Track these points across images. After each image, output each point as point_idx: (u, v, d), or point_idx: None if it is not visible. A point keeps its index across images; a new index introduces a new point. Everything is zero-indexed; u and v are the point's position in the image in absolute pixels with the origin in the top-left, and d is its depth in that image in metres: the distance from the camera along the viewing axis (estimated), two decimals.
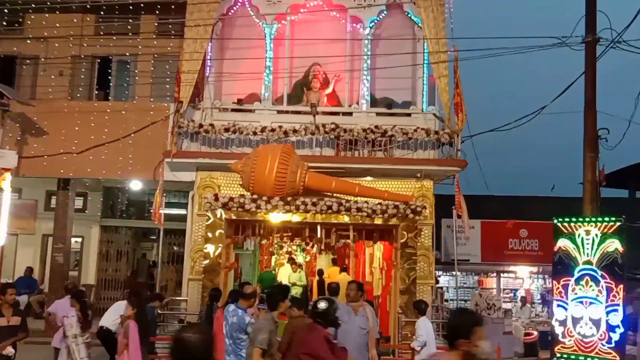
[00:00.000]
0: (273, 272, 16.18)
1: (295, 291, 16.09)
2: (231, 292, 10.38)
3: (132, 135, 13.43)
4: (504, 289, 18.83)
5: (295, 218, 12.11)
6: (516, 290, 18.99)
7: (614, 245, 10.88)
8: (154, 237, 21.71)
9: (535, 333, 14.11)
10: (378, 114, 13.28)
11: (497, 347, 10.66)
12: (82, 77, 14.50)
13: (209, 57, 13.17)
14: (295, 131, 12.48)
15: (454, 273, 18.24)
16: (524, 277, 18.27)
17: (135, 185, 15.23)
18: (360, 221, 12.12)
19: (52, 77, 14.30)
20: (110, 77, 14.66)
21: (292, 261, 17.31)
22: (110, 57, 14.69)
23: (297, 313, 7.33)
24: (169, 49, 14.02)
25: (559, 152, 76.29)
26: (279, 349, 7.22)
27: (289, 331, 7.11)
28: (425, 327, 8.20)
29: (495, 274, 18.34)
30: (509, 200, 19.91)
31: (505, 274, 18.45)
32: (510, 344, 12.96)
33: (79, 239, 18.04)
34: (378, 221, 12.13)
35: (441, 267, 16.76)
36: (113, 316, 10.68)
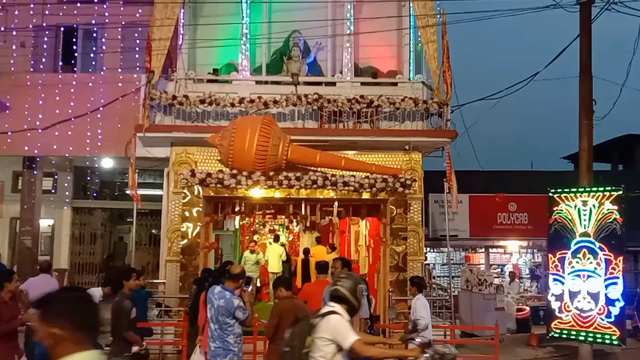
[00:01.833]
0: (255, 252, 15.52)
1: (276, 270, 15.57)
2: (204, 270, 9.75)
3: (101, 109, 12.55)
4: (492, 265, 18.45)
5: (278, 194, 11.43)
6: (504, 265, 18.63)
7: (613, 215, 10.45)
8: (131, 219, 20.96)
9: (527, 309, 13.73)
10: (363, 83, 12.59)
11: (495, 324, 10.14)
12: (46, 47, 13.50)
13: (181, 24, 12.32)
14: (275, 102, 11.74)
15: (442, 249, 17.84)
16: (513, 251, 17.88)
17: (107, 163, 14.37)
18: (347, 196, 11.48)
19: (14, 48, 13.30)
20: (75, 48, 13.69)
21: (277, 238, 16.69)
22: (76, 26, 13.69)
23: (284, 294, 6.71)
24: (137, 16, 13.09)
25: (543, 125, 76.77)
26: (266, 333, 6.60)
27: (276, 313, 6.49)
28: (424, 307, 7.61)
29: (483, 249, 17.91)
30: (495, 174, 19.45)
31: (494, 249, 18.04)
32: (503, 320, 12.53)
33: (50, 222, 17.17)
34: (366, 196, 11.50)
35: (429, 243, 16.25)
36: None
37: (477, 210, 16.34)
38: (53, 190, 16.83)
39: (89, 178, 17.41)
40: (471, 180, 16.88)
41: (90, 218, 18.28)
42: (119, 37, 13.29)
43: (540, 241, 16.44)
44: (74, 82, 12.93)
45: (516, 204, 16.90)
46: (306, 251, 15.48)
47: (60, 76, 13.19)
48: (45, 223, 17.17)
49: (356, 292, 4.26)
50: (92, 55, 13.66)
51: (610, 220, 10.36)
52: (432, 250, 17.73)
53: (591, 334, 10.39)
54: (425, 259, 14.48)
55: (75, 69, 13.70)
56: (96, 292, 10.02)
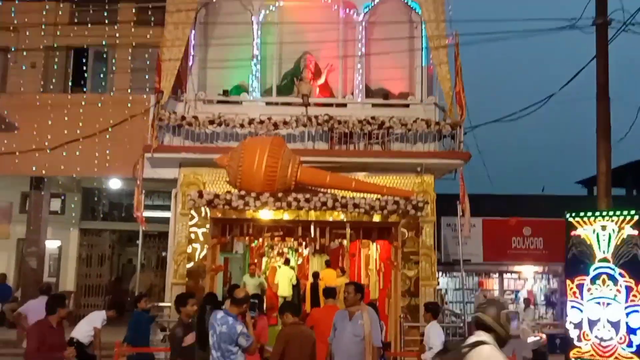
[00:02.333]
0: (259, 276, 15.22)
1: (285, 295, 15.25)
2: (207, 295, 9.46)
3: (110, 129, 12.43)
4: (505, 290, 18.00)
5: (287, 216, 11.20)
6: (518, 291, 18.16)
7: (633, 240, 10.08)
8: (139, 242, 20.78)
9: (544, 336, 13.28)
10: (374, 105, 12.41)
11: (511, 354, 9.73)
12: (56, 68, 13.50)
13: (192, 45, 12.26)
14: (285, 123, 11.57)
15: (454, 274, 17.44)
16: (528, 277, 17.42)
17: (115, 184, 14.24)
18: (357, 218, 11.23)
19: (24, 68, 13.31)
20: (85, 69, 13.67)
21: (287, 262, 16.40)
22: (86, 48, 13.70)
23: (291, 319, 6.43)
24: (148, 37, 13.06)
25: (555, 150, 76.21)
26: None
27: (282, 339, 6.21)
28: (438, 335, 7.29)
29: (497, 275, 17.48)
30: (508, 199, 19.06)
31: (508, 274, 17.59)
32: (519, 349, 12.10)
33: (58, 243, 17.02)
34: (376, 218, 11.24)
35: (441, 267, 15.87)
36: (86, 327, 9.79)
37: (490, 235, 15.95)
38: (61, 212, 16.72)
39: (96, 199, 17.31)
40: (483, 204, 16.55)
41: (98, 240, 18.13)
42: (129, 57, 13.24)
43: (556, 266, 16.03)
44: (83, 103, 12.86)
45: (531, 228, 16.51)
46: (315, 275, 15.17)
47: (69, 97, 13.14)
48: (52, 244, 17.04)
49: (500, 319, 3.98)
50: (102, 76, 13.63)
51: (631, 245, 10.01)
52: (444, 275, 17.33)
53: None
54: (438, 284, 14.13)
55: (85, 89, 13.66)
56: (99, 316, 9.86)
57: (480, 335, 3.97)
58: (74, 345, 9.86)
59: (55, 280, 16.87)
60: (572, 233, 10.79)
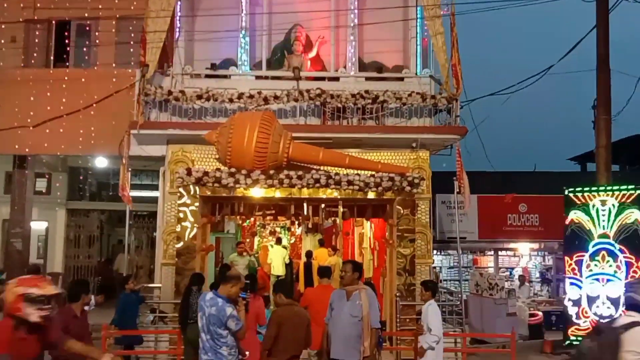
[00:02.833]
0: (249, 255, 14.89)
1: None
2: (192, 276, 9.16)
3: (94, 105, 11.96)
4: (500, 268, 17.86)
5: (278, 194, 10.86)
6: (512, 268, 18.03)
7: (634, 215, 9.84)
8: (132, 222, 20.44)
9: (540, 314, 13.13)
10: (367, 78, 12.02)
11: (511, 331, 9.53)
12: (37, 42, 12.95)
13: (178, 17, 11.79)
14: (276, 98, 11.18)
15: (449, 252, 17.25)
16: (524, 254, 17.25)
17: (101, 162, 13.81)
18: (351, 196, 10.90)
19: (3, 42, 12.76)
20: (68, 43, 13.13)
21: (279, 241, 16.10)
22: (68, 20, 13.13)
23: (285, 301, 6.13)
24: (132, 9, 12.51)
25: (547, 126, 75.96)
26: (264, 344, 6.01)
27: (275, 322, 5.91)
28: (437, 315, 7.02)
29: (492, 252, 17.30)
30: (502, 175, 18.80)
31: (504, 252, 17.42)
32: (515, 326, 11.92)
33: (44, 224, 16.65)
34: (371, 195, 10.92)
35: (435, 245, 15.65)
36: None
37: (486, 212, 15.73)
38: (47, 192, 16.32)
39: (83, 178, 16.90)
40: (478, 181, 16.29)
41: (86, 220, 17.78)
42: (113, 30, 12.73)
43: (552, 243, 15.88)
44: (66, 78, 12.36)
45: (527, 204, 16.30)
46: (309, 254, 14.90)
47: (51, 72, 12.63)
48: (39, 226, 16.67)
49: None
50: (85, 50, 13.11)
51: (631, 220, 9.80)
52: (438, 253, 17.14)
53: None
54: (433, 262, 13.91)
55: (67, 64, 13.14)
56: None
57: (634, 316, 3.87)
58: None
59: (43, 261, 16.54)
60: (571, 208, 10.56)
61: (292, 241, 18.79)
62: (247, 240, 18.93)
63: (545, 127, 76.76)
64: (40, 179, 16.45)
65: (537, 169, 23.68)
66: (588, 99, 23.75)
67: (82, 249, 17.60)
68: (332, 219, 11.95)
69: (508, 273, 17.70)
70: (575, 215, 10.48)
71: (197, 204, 10.83)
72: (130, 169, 11.58)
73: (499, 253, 17.45)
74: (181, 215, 10.78)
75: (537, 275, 17.58)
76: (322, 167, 10.92)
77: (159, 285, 11.32)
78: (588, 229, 10.30)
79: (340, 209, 11.17)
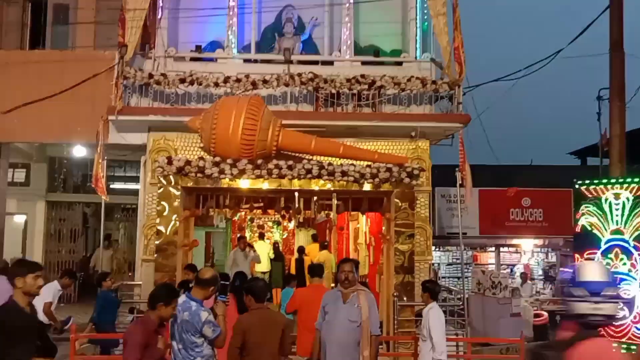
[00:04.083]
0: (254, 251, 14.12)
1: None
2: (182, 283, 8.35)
3: (72, 90, 11.15)
4: (501, 265, 17.15)
5: (267, 185, 10.08)
6: (513, 265, 17.33)
7: None
8: (119, 215, 19.67)
9: (545, 314, 12.42)
10: (364, 63, 11.26)
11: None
12: (11, 22, 12.15)
13: None
14: (265, 82, 10.39)
15: (448, 248, 16.53)
16: (527, 250, 16.52)
17: (79, 151, 13.02)
18: (345, 188, 10.13)
19: None
20: (45, 23, 12.34)
21: (261, 236, 15.34)
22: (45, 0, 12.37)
23: (253, 304, 5.36)
24: None
25: (545, 121, 75.15)
26: (229, 356, 5.23)
27: (239, 330, 5.14)
28: (440, 319, 6.27)
29: (494, 248, 16.57)
30: (502, 168, 18.06)
31: (505, 248, 16.70)
32: (519, 327, 11.22)
33: (23, 217, 15.85)
34: (367, 187, 10.16)
35: (434, 241, 14.92)
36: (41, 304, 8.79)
37: (487, 206, 14.98)
38: (25, 183, 15.53)
39: (65, 169, 16.10)
40: (476, 174, 15.58)
41: (68, 213, 16.96)
42: (93, 9, 11.93)
43: (557, 239, 15.16)
44: (42, 61, 11.57)
45: (530, 198, 15.56)
46: (301, 250, 14.17)
47: (27, 54, 11.86)
48: (18, 219, 15.90)
49: None
50: (63, 31, 12.32)
51: None
52: (437, 249, 16.41)
53: (625, 345, 9.06)
54: (432, 259, 13.19)
55: (44, 46, 12.36)
56: (50, 288, 8.83)
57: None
58: None
59: (22, 256, 15.76)
60: (582, 202, 9.84)
61: (284, 236, 18.06)
62: (238, 235, 18.23)
63: (543, 121, 75.97)
64: (19, 169, 15.69)
65: (534, 163, 23.03)
66: (592, 91, 23.15)
67: (64, 244, 16.80)
68: (325, 212, 11.15)
69: (509, 270, 16.99)
70: (586, 209, 9.72)
71: (179, 195, 10.04)
72: (106, 158, 10.80)
73: (501, 249, 16.71)
74: (160, 208, 10.00)
75: (540, 272, 16.87)
76: (314, 157, 10.15)
77: (139, 282, 10.60)
78: (600, 224, 9.55)
79: (334, 202, 10.40)
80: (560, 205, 15.24)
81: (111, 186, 16.91)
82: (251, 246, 13.75)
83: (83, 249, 18.43)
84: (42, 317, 8.81)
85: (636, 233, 9.09)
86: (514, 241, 16.15)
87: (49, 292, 8.77)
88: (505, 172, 17.43)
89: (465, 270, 15.71)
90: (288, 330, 5.42)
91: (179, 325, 5.20)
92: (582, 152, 27.87)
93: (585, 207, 9.75)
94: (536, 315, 12.41)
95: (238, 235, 15.59)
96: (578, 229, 9.82)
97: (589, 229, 9.60)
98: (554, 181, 15.94)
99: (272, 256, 14.38)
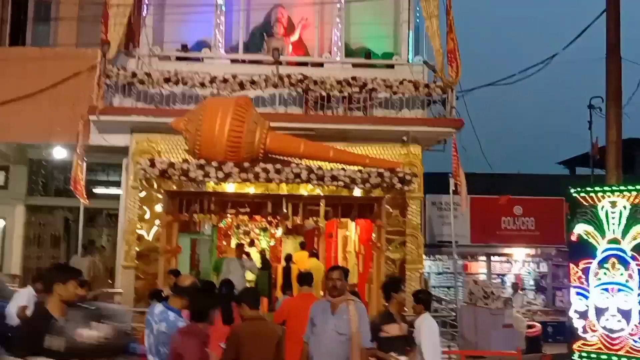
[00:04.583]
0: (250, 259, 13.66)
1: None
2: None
3: (52, 88, 10.77)
4: (491, 275, 16.86)
5: (254, 190, 9.72)
6: (504, 275, 17.05)
7: None
8: (102, 222, 19.15)
9: (538, 325, 12.13)
10: (355, 65, 10.99)
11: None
12: None
13: None
14: (253, 83, 10.07)
15: (438, 257, 16.23)
16: (518, 259, 16.24)
17: (60, 153, 12.55)
18: (335, 193, 9.80)
19: None
20: (25, 19, 11.92)
21: (252, 243, 14.91)
22: None
23: (248, 313, 4.99)
24: None
25: (534, 131, 75.34)
26: None
27: (233, 343, 4.77)
28: (433, 330, 5.93)
29: (485, 257, 16.28)
30: (492, 177, 17.81)
31: (496, 257, 16.40)
32: (511, 339, 10.92)
33: (2, 222, 15.31)
34: (357, 193, 9.84)
35: (425, 250, 14.62)
36: (15, 309, 8.47)
37: (479, 214, 14.68)
38: (4, 186, 15.00)
39: (44, 172, 15.58)
40: (467, 181, 15.34)
41: (49, 218, 16.39)
42: (76, 6, 11.54)
43: (549, 249, 14.90)
44: (22, 58, 11.16)
45: (522, 207, 15.30)
46: (288, 257, 13.75)
47: (6, 50, 11.44)
48: None
49: None
50: (44, 27, 11.92)
51: None
52: (427, 258, 16.08)
53: (623, 359, 8.78)
54: (423, 268, 12.87)
55: (24, 42, 11.95)
56: (24, 293, 8.51)
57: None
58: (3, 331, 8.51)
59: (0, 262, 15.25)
60: (578, 210, 9.57)
61: (272, 244, 17.65)
62: (224, 242, 17.79)
63: (530, 130, 76.12)
64: None
65: (521, 172, 22.81)
66: (581, 100, 23.04)
67: (44, 249, 16.25)
68: (314, 219, 10.80)
69: (499, 280, 16.71)
70: (582, 218, 9.45)
71: (161, 199, 9.65)
72: (86, 160, 10.38)
73: (492, 258, 16.43)
74: (142, 212, 9.60)
75: (532, 282, 16.60)
76: (303, 161, 9.82)
77: (120, 290, 10.16)
78: (596, 233, 9.28)
79: (323, 208, 10.05)
80: (552, 213, 15.01)
81: (94, 191, 16.44)
82: (248, 254, 13.22)
83: (65, 256, 17.87)
84: (16, 322, 8.46)
85: (634, 242, 8.83)
86: (506, 250, 15.88)
87: (24, 297, 8.52)
88: (494, 180, 17.21)
89: (458, 280, 15.46)
90: (283, 342, 5.06)
91: (155, 337, 4.83)
92: (571, 161, 27.80)
93: (581, 215, 9.49)
94: (529, 327, 12.12)
95: (237, 243, 15.07)
96: (574, 238, 9.57)
97: (585, 237, 9.34)
98: (543, 190, 15.72)
99: (259, 265, 13.98)
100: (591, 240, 9.30)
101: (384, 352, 5.77)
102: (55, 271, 4.48)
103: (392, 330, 5.90)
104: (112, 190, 16.71)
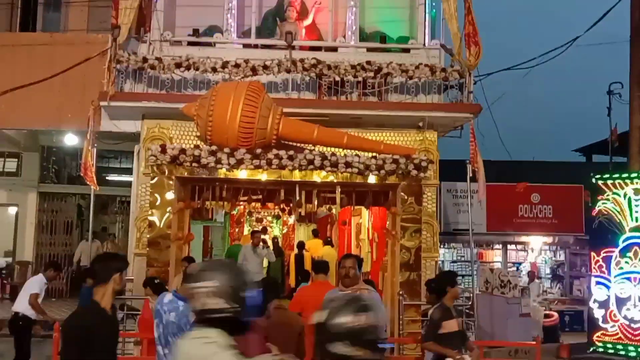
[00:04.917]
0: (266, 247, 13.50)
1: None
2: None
3: (63, 74, 10.62)
4: (507, 263, 16.62)
5: (266, 177, 9.55)
6: (519, 263, 16.79)
7: None
8: (115, 209, 19.15)
9: (556, 315, 11.93)
10: (369, 49, 10.75)
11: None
12: (0, 3, 11.63)
13: None
14: (265, 67, 9.86)
15: (453, 245, 16.02)
16: (535, 248, 15.98)
17: (71, 139, 12.48)
18: (349, 180, 9.60)
19: None
20: (36, 4, 11.82)
21: (265, 231, 14.79)
22: None
23: (274, 303, 4.84)
24: None
25: (548, 117, 74.50)
26: None
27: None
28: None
29: (500, 246, 16.03)
30: (508, 164, 17.50)
31: (512, 246, 16.15)
32: (528, 328, 10.74)
33: (14, 208, 15.34)
34: (372, 180, 9.62)
35: (440, 238, 14.41)
36: (26, 297, 8.51)
37: (495, 202, 14.37)
38: (17, 173, 15.02)
39: (57, 159, 15.57)
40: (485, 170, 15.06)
41: (62, 205, 16.42)
42: None
43: (567, 237, 14.63)
44: (32, 44, 11.06)
45: (539, 194, 15.01)
46: (300, 245, 13.64)
47: (15, 36, 11.35)
48: (9, 210, 15.40)
49: None
50: (55, 13, 11.82)
51: None
52: (442, 246, 15.87)
53: None
54: (438, 256, 12.68)
55: (34, 28, 11.85)
56: (36, 280, 8.56)
57: None
58: (19, 321, 8.51)
59: (12, 248, 15.28)
60: (600, 197, 9.34)
61: (284, 231, 17.56)
62: (237, 229, 17.72)
63: (546, 117, 75.17)
64: (11, 159, 15.19)
65: (536, 159, 22.46)
66: (599, 87, 22.58)
67: (57, 236, 16.27)
68: (328, 206, 10.63)
69: (515, 268, 16.47)
70: (604, 206, 9.22)
71: (172, 186, 9.52)
72: (96, 146, 10.28)
73: (508, 247, 16.18)
74: (153, 199, 9.48)
75: (548, 271, 16.34)
76: (316, 147, 9.63)
77: (132, 277, 10.07)
78: (619, 221, 9.05)
79: (338, 195, 9.87)
80: (570, 201, 14.73)
81: (107, 178, 16.42)
82: (265, 242, 12.99)
83: (77, 242, 17.91)
84: (29, 310, 8.45)
85: None
86: (523, 238, 15.62)
87: (36, 285, 8.58)
88: (511, 167, 16.93)
89: (468, 267, 15.24)
90: (304, 333, 4.90)
91: (164, 327, 4.70)
92: (587, 149, 27.34)
93: (603, 202, 9.26)
94: (546, 316, 11.92)
95: (251, 230, 14.94)
96: (595, 226, 9.36)
97: (607, 226, 9.13)
98: (560, 178, 15.44)
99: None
100: (613, 228, 9.09)
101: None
102: (106, 260, 4.30)
103: (452, 325, 5.73)
104: (125, 177, 16.70)
